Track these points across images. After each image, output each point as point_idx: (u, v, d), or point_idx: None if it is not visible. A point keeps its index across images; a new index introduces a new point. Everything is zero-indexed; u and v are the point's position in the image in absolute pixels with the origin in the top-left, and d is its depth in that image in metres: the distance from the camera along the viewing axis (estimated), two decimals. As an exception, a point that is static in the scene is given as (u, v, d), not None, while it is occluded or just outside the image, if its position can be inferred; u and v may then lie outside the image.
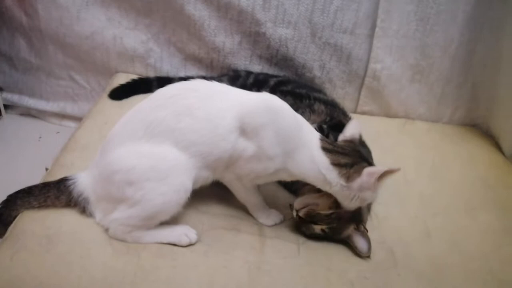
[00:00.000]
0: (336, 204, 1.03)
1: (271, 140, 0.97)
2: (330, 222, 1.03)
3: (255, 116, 0.98)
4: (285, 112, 1.01)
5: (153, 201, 0.96)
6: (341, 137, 1.07)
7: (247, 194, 1.09)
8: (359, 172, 0.97)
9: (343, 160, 0.99)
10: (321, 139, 1.02)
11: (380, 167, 0.96)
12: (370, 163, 1.03)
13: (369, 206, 1.15)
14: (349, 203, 1.00)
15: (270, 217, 1.12)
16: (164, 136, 0.96)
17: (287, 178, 1.03)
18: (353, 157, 1.00)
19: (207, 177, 1.02)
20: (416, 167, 1.40)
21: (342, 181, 0.97)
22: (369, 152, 1.24)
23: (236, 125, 0.97)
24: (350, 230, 1.04)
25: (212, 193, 1.14)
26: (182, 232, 1.01)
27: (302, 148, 0.99)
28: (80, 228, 1.00)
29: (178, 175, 0.96)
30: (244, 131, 0.98)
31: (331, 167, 0.98)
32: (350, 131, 1.07)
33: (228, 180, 1.05)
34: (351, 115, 1.35)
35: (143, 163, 0.96)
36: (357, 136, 1.07)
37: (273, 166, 0.99)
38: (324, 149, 1.00)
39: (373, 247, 1.05)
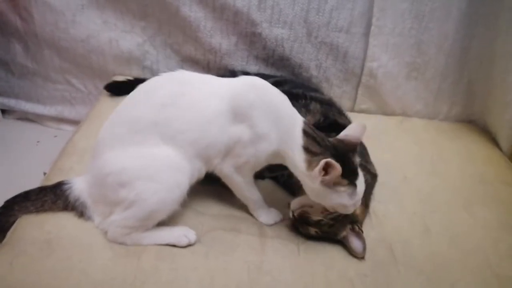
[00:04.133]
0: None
1: (262, 118, 0.97)
2: (321, 226, 1.03)
3: (242, 98, 0.99)
4: (270, 89, 1.02)
5: (148, 200, 0.95)
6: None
7: (246, 189, 1.08)
8: (318, 162, 0.91)
9: (314, 148, 0.97)
10: (304, 122, 1.01)
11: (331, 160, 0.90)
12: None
13: (367, 202, 1.15)
14: (316, 197, 0.97)
15: (270, 216, 1.12)
16: (149, 131, 0.96)
17: (281, 161, 1.02)
18: (326, 150, 0.96)
19: (200, 168, 1.01)
20: (414, 164, 1.41)
21: (304, 167, 0.95)
22: (364, 148, 1.24)
23: (224, 109, 0.97)
24: (346, 231, 1.04)
25: (211, 194, 1.14)
26: (181, 233, 1.01)
27: (290, 127, 0.99)
28: (80, 232, 1.00)
29: (168, 171, 0.96)
30: (235, 115, 0.98)
31: (301, 149, 0.97)
32: (345, 132, 1.02)
33: (227, 173, 1.04)
34: (348, 113, 1.36)
35: (132, 162, 0.96)
36: (350, 138, 1.00)
37: (268, 146, 0.99)
38: (304, 131, 0.99)
39: (373, 245, 1.06)
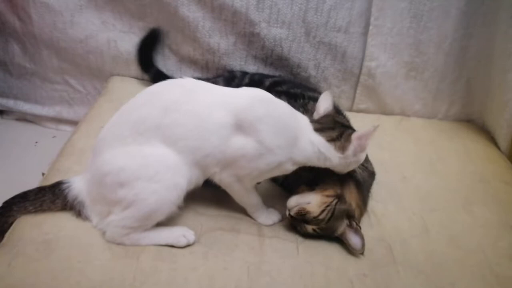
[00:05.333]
0: (326, 205, 1.03)
1: (271, 132, 0.97)
2: (318, 223, 1.03)
3: (250, 111, 0.98)
4: (277, 102, 1.03)
5: (146, 200, 0.95)
6: (315, 115, 1.10)
7: (246, 196, 1.09)
8: (349, 140, 1.02)
9: (334, 134, 1.04)
10: (311, 122, 1.06)
11: (363, 130, 1.03)
12: (350, 127, 1.13)
13: (365, 201, 1.15)
14: (346, 169, 1.07)
15: (269, 217, 1.12)
16: (151, 133, 0.96)
17: (290, 168, 1.03)
18: (338, 128, 1.06)
19: (198, 176, 1.01)
20: (413, 164, 1.41)
21: (339, 154, 1.02)
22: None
23: (228, 122, 0.97)
24: (343, 227, 1.04)
25: (210, 194, 1.14)
26: (180, 233, 1.01)
27: (301, 134, 1.02)
28: (78, 233, 1.00)
29: (167, 172, 0.96)
30: (240, 128, 0.97)
31: (327, 144, 1.02)
32: (322, 107, 1.11)
33: (228, 182, 1.04)
34: (347, 113, 1.35)
35: (131, 163, 0.95)
36: (330, 108, 1.11)
37: (276, 159, 0.99)
38: (316, 130, 1.04)
39: (372, 245, 1.06)
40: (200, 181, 1.04)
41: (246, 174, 1.01)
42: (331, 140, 1.02)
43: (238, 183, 1.04)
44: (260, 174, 1.03)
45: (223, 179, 1.03)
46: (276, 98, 1.04)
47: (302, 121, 1.05)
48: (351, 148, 1.02)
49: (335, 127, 1.06)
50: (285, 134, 0.99)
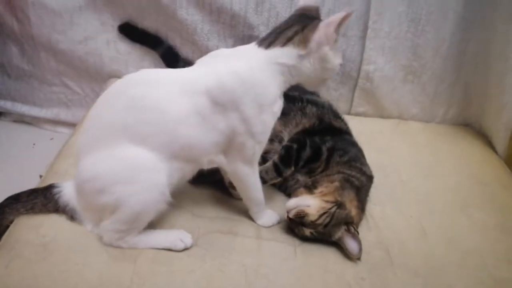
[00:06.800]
0: (325, 210, 1.03)
1: (247, 99, 0.94)
2: (316, 227, 1.03)
3: (224, 89, 0.94)
4: (239, 66, 0.96)
5: (128, 203, 0.93)
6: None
7: (254, 186, 1.05)
8: (314, 28, 0.92)
9: (291, 31, 0.94)
10: (257, 44, 0.98)
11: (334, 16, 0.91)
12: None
13: (363, 205, 1.15)
14: (318, 78, 0.99)
15: (268, 218, 1.11)
16: (119, 135, 0.93)
17: (278, 102, 1.00)
18: (302, 22, 0.94)
19: (181, 168, 0.98)
20: (410, 167, 1.41)
21: (301, 51, 0.93)
22: (359, 150, 1.25)
23: (200, 106, 0.93)
24: (341, 232, 1.04)
25: (207, 196, 1.14)
26: (177, 237, 1.00)
27: (262, 68, 0.95)
28: (76, 235, 0.99)
29: (143, 172, 0.94)
30: (219, 108, 0.93)
31: (283, 49, 0.94)
32: (302, 2, 1.00)
33: (236, 170, 1.01)
34: (345, 116, 1.35)
35: (105, 168, 0.93)
36: (311, 6, 0.99)
37: (267, 116, 0.97)
38: (264, 44, 0.95)
39: (370, 248, 1.06)
40: (188, 173, 1.01)
41: (251, 153, 0.99)
42: (286, 41, 0.93)
43: (247, 166, 1.01)
44: (262, 137, 0.99)
45: (230, 168, 1.01)
46: (227, 53, 1.00)
47: (249, 53, 0.97)
48: (315, 38, 0.91)
49: (298, 22, 0.94)
50: (260, 90, 0.95)
